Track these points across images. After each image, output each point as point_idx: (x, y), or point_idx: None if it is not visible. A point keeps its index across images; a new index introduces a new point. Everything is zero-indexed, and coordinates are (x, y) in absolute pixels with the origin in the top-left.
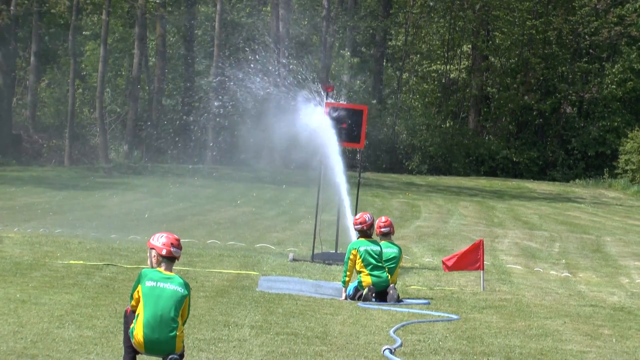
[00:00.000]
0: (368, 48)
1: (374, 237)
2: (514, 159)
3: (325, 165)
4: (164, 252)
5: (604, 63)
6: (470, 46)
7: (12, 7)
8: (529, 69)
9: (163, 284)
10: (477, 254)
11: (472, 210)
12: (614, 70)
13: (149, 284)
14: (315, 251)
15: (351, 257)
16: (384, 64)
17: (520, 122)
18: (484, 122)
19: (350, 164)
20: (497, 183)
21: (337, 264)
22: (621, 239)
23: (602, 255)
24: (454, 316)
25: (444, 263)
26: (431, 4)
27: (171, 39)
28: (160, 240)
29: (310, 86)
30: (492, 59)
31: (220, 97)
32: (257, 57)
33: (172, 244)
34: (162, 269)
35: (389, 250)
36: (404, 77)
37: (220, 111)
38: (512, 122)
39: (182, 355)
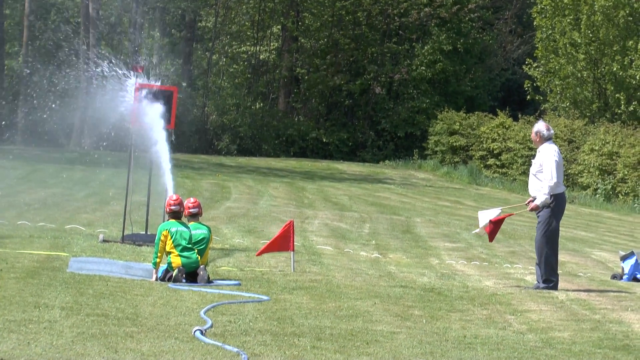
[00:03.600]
0: (178, 29)
1: (183, 218)
2: (324, 140)
3: (144, 148)
4: None
5: (413, 44)
6: (280, 27)
7: None
8: (339, 50)
9: None
10: (288, 235)
11: (282, 192)
12: (423, 51)
13: None
14: (126, 232)
15: (162, 238)
16: (194, 45)
17: (330, 103)
18: (293, 103)
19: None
20: (307, 164)
21: (148, 245)
22: (431, 220)
23: (412, 236)
24: (265, 297)
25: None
26: None
27: None
28: None
29: (120, 68)
30: (302, 40)
31: (30, 78)
32: (67, 40)
33: None
34: None
35: (198, 232)
36: (214, 58)
37: (30, 93)
38: (322, 103)
39: None
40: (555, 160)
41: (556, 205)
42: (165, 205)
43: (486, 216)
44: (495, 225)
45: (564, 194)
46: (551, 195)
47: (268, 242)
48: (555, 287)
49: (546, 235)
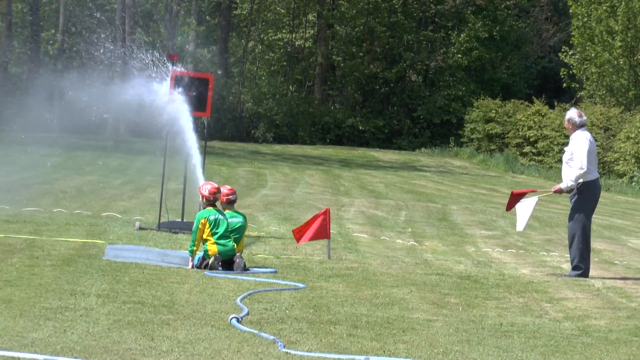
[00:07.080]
0: (213, 17)
1: (218, 205)
2: (360, 128)
3: (176, 136)
4: None
5: (449, 32)
6: (315, 15)
7: None
8: (375, 37)
9: None
10: (325, 223)
11: (318, 179)
12: (459, 39)
13: None
14: (162, 220)
15: (200, 226)
16: (230, 32)
17: (366, 90)
18: (329, 91)
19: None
20: (343, 152)
21: (184, 233)
22: (467, 208)
23: (448, 223)
24: (301, 285)
25: (295, 235)
26: None
27: (18, 5)
28: None
29: (155, 55)
30: (338, 28)
31: (67, 64)
32: (102, 26)
33: None
34: None
35: (235, 220)
36: (250, 45)
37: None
38: (358, 91)
39: None
40: (587, 148)
41: (589, 192)
42: (205, 193)
43: (523, 209)
44: (517, 197)
45: (597, 181)
46: (578, 182)
47: (302, 229)
48: (585, 275)
49: (578, 222)
